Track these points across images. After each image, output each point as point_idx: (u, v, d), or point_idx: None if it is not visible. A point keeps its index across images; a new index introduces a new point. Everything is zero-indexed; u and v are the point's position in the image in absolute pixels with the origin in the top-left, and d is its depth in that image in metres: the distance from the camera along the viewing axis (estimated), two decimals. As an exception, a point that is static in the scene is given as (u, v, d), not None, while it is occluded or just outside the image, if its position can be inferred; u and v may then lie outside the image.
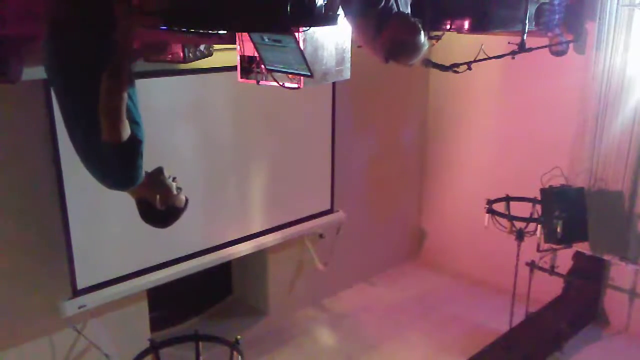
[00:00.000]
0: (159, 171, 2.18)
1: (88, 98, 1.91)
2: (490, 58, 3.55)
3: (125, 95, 1.91)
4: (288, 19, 1.98)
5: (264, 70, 2.84)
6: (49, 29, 2.00)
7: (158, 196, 2.13)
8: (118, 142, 1.92)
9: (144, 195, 2.15)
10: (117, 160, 1.98)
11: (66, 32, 1.97)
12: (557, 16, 4.49)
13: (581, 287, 5.19)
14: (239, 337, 3.49)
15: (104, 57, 1.89)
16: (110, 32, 1.91)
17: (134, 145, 1.97)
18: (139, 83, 3.83)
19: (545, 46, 4.60)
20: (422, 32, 2.51)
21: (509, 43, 3.90)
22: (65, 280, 3.71)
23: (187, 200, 2.25)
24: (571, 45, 4.80)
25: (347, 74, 3.03)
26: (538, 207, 4.70)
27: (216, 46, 3.65)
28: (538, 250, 4.68)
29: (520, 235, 4.48)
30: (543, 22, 4.34)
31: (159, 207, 2.14)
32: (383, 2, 2.48)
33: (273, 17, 2.00)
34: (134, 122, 2.03)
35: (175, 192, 2.19)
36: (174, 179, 2.20)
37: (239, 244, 4.59)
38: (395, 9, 2.55)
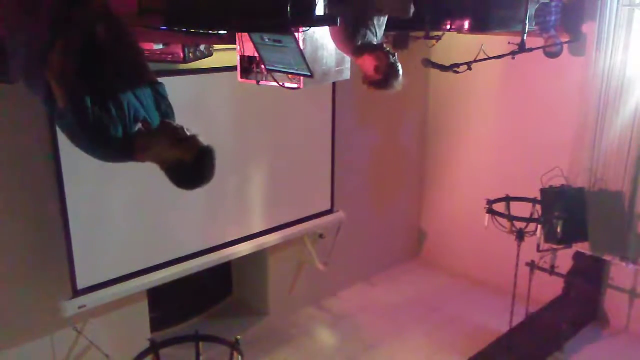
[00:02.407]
0: (164, 124, 2.06)
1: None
2: (490, 58, 3.54)
3: (65, 58, 1.89)
4: (288, 19, 1.98)
5: (264, 70, 2.85)
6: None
7: (176, 137, 1.97)
8: (64, 105, 1.89)
9: (164, 155, 1.98)
10: (75, 122, 1.91)
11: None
12: (553, 17, 4.50)
13: (581, 287, 5.19)
14: (239, 337, 3.50)
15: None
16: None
17: (81, 102, 1.90)
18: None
19: (544, 46, 4.60)
20: (397, 78, 2.83)
21: (509, 43, 3.90)
22: (65, 280, 3.71)
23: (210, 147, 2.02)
24: (566, 46, 4.81)
25: (347, 74, 3.03)
26: (538, 207, 4.70)
27: (216, 46, 3.65)
28: (538, 250, 4.67)
29: (520, 235, 4.48)
30: (538, 22, 4.35)
31: (186, 154, 1.96)
32: (359, 37, 2.80)
33: (273, 17, 2.00)
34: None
35: (190, 133, 2.01)
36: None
37: (239, 244, 4.58)
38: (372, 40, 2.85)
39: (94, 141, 1.97)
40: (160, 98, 2.21)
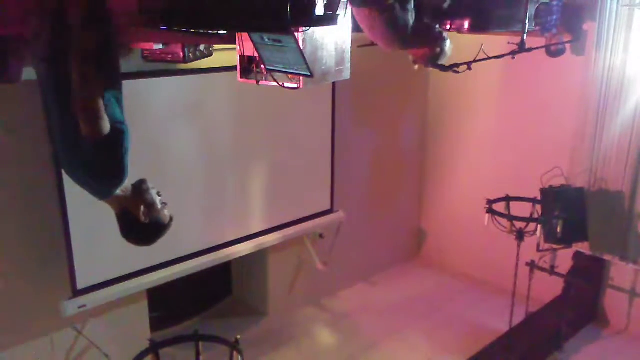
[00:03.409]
0: (142, 182, 2.13)
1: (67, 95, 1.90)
2: (490, 58, 3.55)
3: (100, 87, 1.88)
4: (288, 19, 1.98)
5: (264, 70, 2.84)
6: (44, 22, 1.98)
7: (142, 207, 2.07)
8: (98, 137, 1.89)
9: (127, 206, 2.09)
10: (100, 156, 1.93)
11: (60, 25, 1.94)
12: (554, 17, 4.49)
13: (581, 287, 5.18)
14: (239, 337, 3.50)
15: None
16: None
17: (116, 137, 1.92)
18: (140, 83, 3.83)
19: (545, 46, 4.60)
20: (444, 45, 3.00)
21: (509, 43, 3.90)
22: (65, 280, 3.71)
23: (171, 218, 2.17)
24: (569, 45, 4.80)
25: (347, 74, 3.02)
26: (538, 207, 4.70)
27: (216, 46, 3.65)
28: (538, 250, 4.67)
29: (520, 235, 4.48)
30: (540, 22, 4.34)
31: (143, 219, 2.07)
32: (407, 31, 2.83)
33: (273, 17, 2.00)
34: (118, 122, 2.00)
35: (159, 205, 2.12)
36: (158, 193, 2.14)
37: (239, 244, 4.58)
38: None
39: (107, 178, 2.02)
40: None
